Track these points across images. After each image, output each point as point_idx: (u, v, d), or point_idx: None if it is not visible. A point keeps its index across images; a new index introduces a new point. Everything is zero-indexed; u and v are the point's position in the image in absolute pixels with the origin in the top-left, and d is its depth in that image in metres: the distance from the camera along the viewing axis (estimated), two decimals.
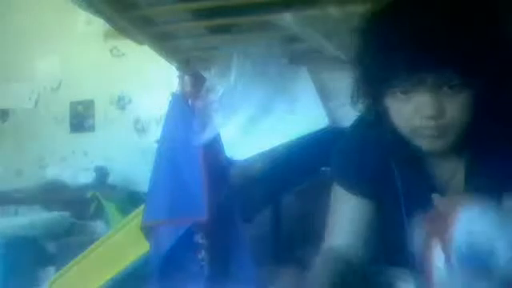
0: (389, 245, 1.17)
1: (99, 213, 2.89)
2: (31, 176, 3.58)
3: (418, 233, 0.98)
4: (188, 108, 1.72)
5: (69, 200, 3.07)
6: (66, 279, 2.05)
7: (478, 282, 0.85)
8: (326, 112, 1.66)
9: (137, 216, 1.93)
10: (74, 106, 3.66)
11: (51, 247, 2.55)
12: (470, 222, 0.86)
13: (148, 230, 1.71)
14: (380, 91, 1.06)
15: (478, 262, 0.84)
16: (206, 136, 1.65)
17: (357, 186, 1.18)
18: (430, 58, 0.95)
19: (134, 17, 1.53)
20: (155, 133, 3.13)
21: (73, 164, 3.57)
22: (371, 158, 1.17)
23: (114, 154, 3.48)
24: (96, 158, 3.51)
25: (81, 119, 3.65)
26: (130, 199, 2.78)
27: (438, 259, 0.90)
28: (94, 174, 3.32)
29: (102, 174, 3.31)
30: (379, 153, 1.15)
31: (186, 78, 1.78)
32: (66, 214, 2.84)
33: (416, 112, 1.01)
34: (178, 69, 1.80)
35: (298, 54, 1.70)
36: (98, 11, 1.52)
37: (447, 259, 0.88)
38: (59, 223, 2.74)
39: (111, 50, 3.57)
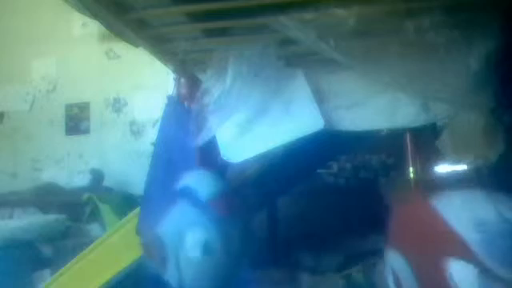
0: None
1: (95, 215, 2.88)
2: (26, 178, 3.57)
3: None
4: (184, 110, 1.72)
5: (64, 202, 3.06)
6: (61, 282, 2.04)
7: None
8: (321, 114, 1.66)
9: (132, 218, 1.94)
10: (69, 108, 3.65)
11: (46, 250, 2.54)
12: None
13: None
14: None
15: None
16: (202, 138, 1.65)
17: None
18: None
19: (130, 20, 1.52)
20: (151, 135, 3.14)
21: (68, 166, 3.56)
22: None
23: (110, 156, 3.48)
24: (91, 160, 3.50)
25: (76, 121, 3.64)
26: (125, 202, 2.78)
27: None
28: (89, 177, 3.31)
29: (97, 176, 3.30)
30: None
31: (182, 80, 1.78)
32: (62, 216, 2.83)
33: None
34: (174, 71, 1.81)
35: (293, 57, 1.71)
36: (93, 14, 1.52)
37: None
38: (54, 226, 2.73)
39: (107, 53, 3.56)
